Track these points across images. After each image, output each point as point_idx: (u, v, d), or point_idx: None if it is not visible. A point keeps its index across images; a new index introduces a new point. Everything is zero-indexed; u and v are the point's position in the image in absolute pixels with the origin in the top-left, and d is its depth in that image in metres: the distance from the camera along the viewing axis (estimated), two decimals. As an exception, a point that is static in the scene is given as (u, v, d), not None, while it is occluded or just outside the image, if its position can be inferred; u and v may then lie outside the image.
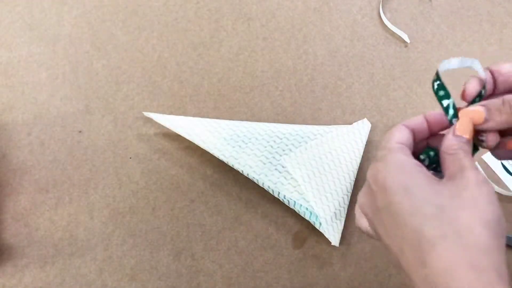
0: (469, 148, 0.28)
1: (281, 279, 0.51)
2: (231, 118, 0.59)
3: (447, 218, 0.25)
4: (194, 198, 0.55)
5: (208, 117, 0.57)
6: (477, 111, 0.28)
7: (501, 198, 0.55)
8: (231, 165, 0.52)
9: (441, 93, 0.31)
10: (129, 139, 0.58)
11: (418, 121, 0.32)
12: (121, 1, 0.67)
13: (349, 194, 0.53)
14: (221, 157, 0.52)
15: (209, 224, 0.54)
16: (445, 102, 0.31)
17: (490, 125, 0.28)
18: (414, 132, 0.32)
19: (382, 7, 0.66)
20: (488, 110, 0.27)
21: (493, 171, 0.56)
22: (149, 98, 0.60)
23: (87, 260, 0.52)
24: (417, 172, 0.28)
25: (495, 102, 0.28)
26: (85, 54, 0.63)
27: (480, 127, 0.28)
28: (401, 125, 0.32)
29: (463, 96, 0.31)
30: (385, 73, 0.62)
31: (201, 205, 0.55)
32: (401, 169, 0.28)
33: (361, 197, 0.31)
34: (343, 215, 0.52)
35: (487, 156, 0.57)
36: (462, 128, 0.28)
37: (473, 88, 0.29)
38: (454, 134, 0.28)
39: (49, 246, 0.52)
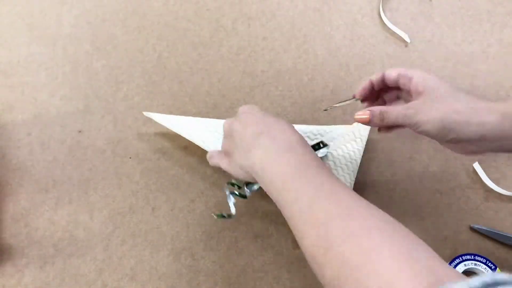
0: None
1: (281, 279, 0.51)
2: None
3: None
4: (194, 198, 0.55)
5: (208, 117, 0.57)
6: (364, 116, 0.43)
7: (501, 197, 0.55)
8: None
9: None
10: (129, 139, 0.58)
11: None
12: (121, 1, 0.67)
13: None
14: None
15: (209, 224, 0.54)
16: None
17: (372, 124, 0.43)
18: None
19: (382, 7, 0.66)
20: (372, 115, 0.42)
21: (495, 169, 0.56)
22: (149, 98, 0.60)
23: (87, 260, 0.52)
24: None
25: (375, 111, 0.42)
26: (85, 54, 0.63)
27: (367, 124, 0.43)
28: None
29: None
30: (385, 73, 0.62)
31: (201, 205, 0.54)
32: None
33: (224, 144, 0.45)
34: (343, 215, 0.51)
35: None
36: (357, 120, 0.43)
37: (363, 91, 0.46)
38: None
39: (49, 246, 0.52)
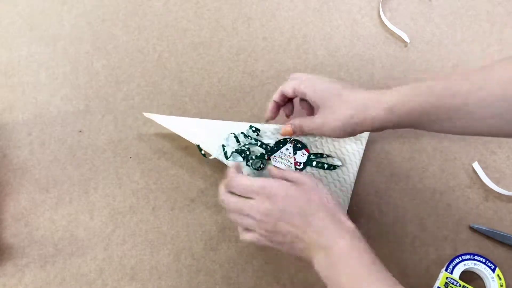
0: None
1: (281, 279, 0.51)
2: (231, 118, 0.59)
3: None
4: (194, 198, 0.55)
5: (208, 117, 0.57)
6: (288, 129, 0.51)
7: (501, 197, 0.55)
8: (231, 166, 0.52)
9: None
10: (129, 139, 0.58)
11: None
12: (121, 1, 0.67)
13: (349, 196, 0.53)
14: (220, 158, 0.52)
15: (209, 224, 0.54)
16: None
17: (296, 134, 0.51)
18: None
19: (382, 7, 0.66)
20: (293, 128, 0.50)
21: (495, 169, 0.56)
22: (149, 98, 0.60)
23: (87, 260, 0.52)
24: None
25: (295, 124, 0.49)
26: (85, 54, 0.63)
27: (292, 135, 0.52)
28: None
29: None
30: (385, 73, 0.62)
31: (201, 205, 0.55)
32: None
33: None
34: (343, 215, 0.52)
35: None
36: (283, 133, 0.51)
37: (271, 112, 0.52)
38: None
39: (50, 246, 0.52)
